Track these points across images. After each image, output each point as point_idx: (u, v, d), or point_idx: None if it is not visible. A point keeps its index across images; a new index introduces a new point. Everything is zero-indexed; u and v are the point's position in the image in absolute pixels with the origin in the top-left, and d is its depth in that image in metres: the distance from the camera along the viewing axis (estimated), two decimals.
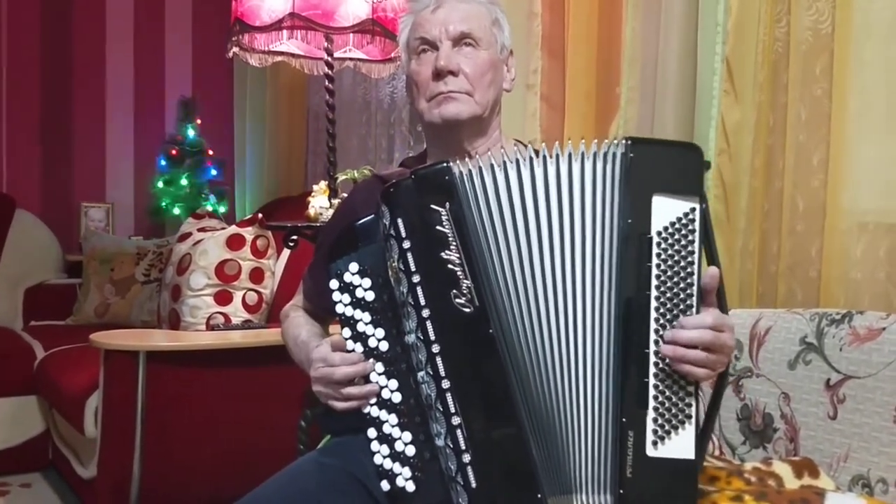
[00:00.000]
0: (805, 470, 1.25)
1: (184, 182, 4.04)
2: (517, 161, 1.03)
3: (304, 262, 1.52)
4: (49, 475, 2.90)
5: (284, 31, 2.30)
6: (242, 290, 2.39)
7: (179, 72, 4.33)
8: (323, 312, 1.41)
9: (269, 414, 2.16)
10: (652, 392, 0.98)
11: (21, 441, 2.89)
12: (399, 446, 1.03)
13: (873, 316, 1.30)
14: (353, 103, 3.57)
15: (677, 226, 0.99)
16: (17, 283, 3.60)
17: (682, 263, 0.99)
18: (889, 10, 1.50)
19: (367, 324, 1.07)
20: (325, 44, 2.35)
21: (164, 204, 4.06)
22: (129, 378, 2.00)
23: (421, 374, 1.02)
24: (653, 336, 0.99)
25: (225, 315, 2.36)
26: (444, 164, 1.04)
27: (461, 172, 1.04)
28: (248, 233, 2.44)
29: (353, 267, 1.08)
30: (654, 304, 0.99)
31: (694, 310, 0.99)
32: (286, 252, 2.51)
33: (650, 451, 0.98)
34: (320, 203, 2.39)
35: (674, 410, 0.99)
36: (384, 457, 1.04)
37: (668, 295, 0.99)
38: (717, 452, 1.47)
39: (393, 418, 1.05)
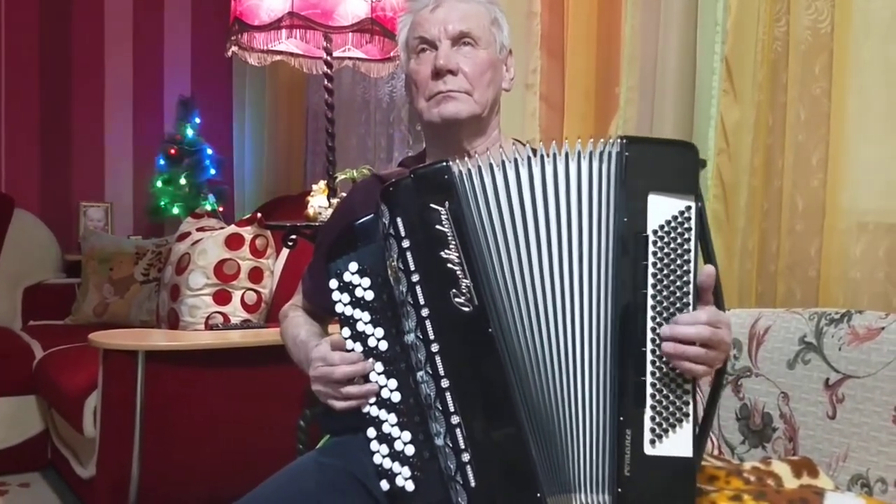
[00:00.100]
0: (804, 469, 1.25)
1: (183, 181, 4.04)
2: (516, 160, 1.03)
3: (303, 262, 1.52)
4: (48, 475, 2.89)
5: (283, 31, 2.30)
6: (241, 290, 2.39)
7: (178, 71, 4.33)
8: (322, 312, 1.41)
9: (269, 414, 2.16)
10: (649, 390, 0.99)
11: (20, 441, 2.89)
12: (398, 446, 1.03)
13: (872, 316, 1.30)
14: (353, 102, 3.56)
15: (673, 224, 1.00)
16: (16, 283, 3.59)
17: (679, 262, 0.99)
18: (888, 9, 1.50)
19: (366, 323, 1.07)
20: (324, 43, 2.35)
21: (163, 203, 4.06)
22: (128, 378, 2.00)
23: (420, 373, 1.02)
24: (649, 334, 0.99)
25: (224, 315, 2.35)
26: (444, 164, 1.04)
27: (460, 172, 1.04)
28: (247, 232, 2.43)
29: (353, 266, 1.08)
30: (650, 302, 0.99)
31: (690, 307, 0.99)
32: (285, 251, 2.51)
33: (648, 450, 0.98)
34: (319, 202, 2.39)
35: (671, 409, 0.99)
36: (384, 456, 1.04)
37: (665, 293, 0.99)
38: (716, 452, 1.47)
39: (392, 418, 1.05)
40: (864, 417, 1.26)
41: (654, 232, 0.99)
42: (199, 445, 2.12)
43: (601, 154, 1.02)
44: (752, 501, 1.09)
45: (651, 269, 0.99)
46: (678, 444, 0.98)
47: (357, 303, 1.08)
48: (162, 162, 4.10)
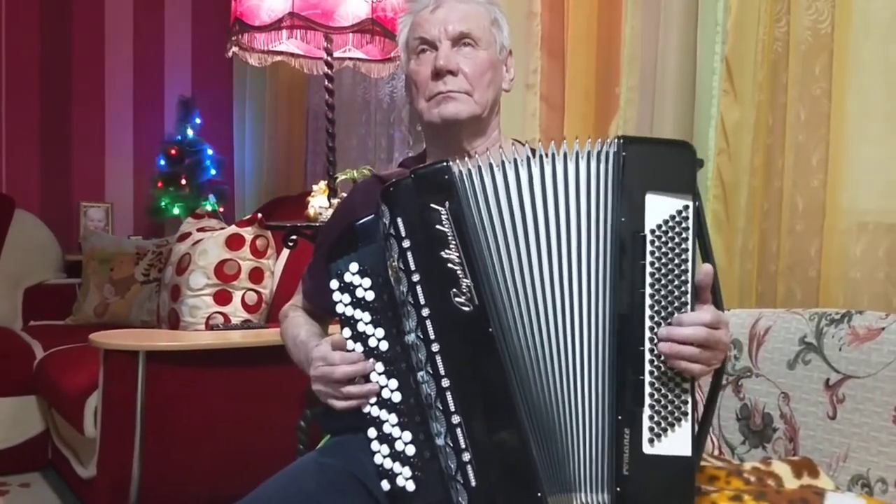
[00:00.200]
0: (804, 470, 1.25)
1: (183, 182, 4.04)
2: (515, 161, 1.04)
3: (304, 262, 1.52)
4: (48, 475, 2.89)
5: (284, 31, 2.30)
6: (242, 290, 2.39)
7: (179, 71, 4.33)
8: (323, 312, 1.41)
9: (269, 414, 2.16)
10: (647, 389, 0.99)
11: (20, 441, 2.89)
12: (399, 446, 1.03)
13: (873, 316, 1.30)
14: (353, 103, 3.56)
15: (671, 223, 1.00)
16: (17, 283, 3.60)
17: (677, 261, 0.99)
18: (888, 9, 1.50)
19: (367, 323, 1.07)
20: (325, 43, 2.35)
21: (163, 204, 4.06)
22: (129, 378, 2.00)
23: (421, 373, 1.02)
24: (647, 334, 0.99)
25: (224, 315, 2.35)
26: (444, 164, 1.04)
27: (461, 172, 1.04)
28: (248, 233, 2.43)
29: (354, 267, 1.08)
30: (648, 301, 0.99)
31: (689, 307, 1.00)
32: (285, 252, 2.51)
33: (647, 449, 0.98)
34: (320, 203, 2.39)
35: (670, 408, 0.99)
36: (384, 456, 1.04)
37: (663, 292, 0.99)
38: (716, 452, 1.47)
39: (393, 418, 1.05)
40: (864, 418, 1.26)
41: (652, 231, 1.00)
42: (200, 445, 2.12)
43: (599, 154, 1.03)
44: (753, 502, 1.09)
45: (649, 269, 0.99)
46: (677, 443, 0.98)
47: (358, 303, 1.08)
48: (162, 162, 4.10)
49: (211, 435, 2.13)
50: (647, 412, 0.98)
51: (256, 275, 2.42)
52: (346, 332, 1.09)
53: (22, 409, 2.90)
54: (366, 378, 1.07)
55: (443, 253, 1.02)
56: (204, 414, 2.12)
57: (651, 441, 0.98)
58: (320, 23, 2.25)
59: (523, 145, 1.31)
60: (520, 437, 1.00)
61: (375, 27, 2.27)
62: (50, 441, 2.89)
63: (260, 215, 2.53)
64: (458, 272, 1.01)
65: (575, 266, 1.02)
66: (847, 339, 1.31)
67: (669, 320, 0.99)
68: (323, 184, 2.45)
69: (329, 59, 2.37)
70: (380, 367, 1.06)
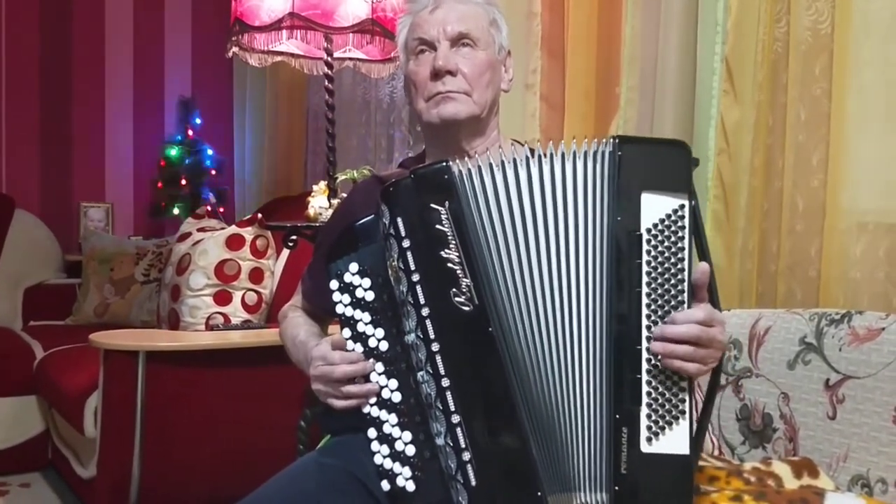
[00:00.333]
0: (804, 470, 1.25)
1: (183, 182, 4.04)
2: (515, 161, 1.04)
3: (304, 262, 1.52)
4: (48, 475, 2.90)
5: (284, 31, 2.30)
6: (242, 290, 2.39)
7: (179, 71, 4.33)
8: (322, 313, 1.41)
9: (269, 414, 2.16)
10: (645, 388, 0.99)
11: (20, 441, 2.89)
12: (399, 446, 1.03)
13: (873, 316, 1.30)
14: (353, 103, 3.56)
15: (667, 222, 1.00)
16: (17, 283, 3.60)
17: (673, 260, 1.00)
18: (888, 9, 1.50)
19: (366, 324, 1.07)
20: (325, 44, 2.35)
21: (163, 204, 4.06)
22: (129, 378, 2.00)
23: (421, 373, 1.02)
24: (644, 332, 0.99)
25: (224, 315, 2.35)
26: (444, 164, 1.05)
27: (460, 172, 1.04)
28: (248, 233, 2.43)
29: (353, 267, 1.08)
30: (645, 300, 0.99)
31: (685, 305, 1.00)
32: (285, 252, 2.51)
33: (644, 448, 0.98)
34: (320, 203, 2.39)
35: (667, 406, 0.99)
36: (384, 456, 1.04)
37: (660, 291, 1.00)
38: (716, 452, 1.47)
39: (393, 418, 1.05)
40: (864, 418, 1.26)
41: (648, 230, 1.00)
42: (200, 445, 2.12)
43: (595, 154, 1.03)
44: (753, 502, 1.09)
45: (645, 268, 0.99)
46: (675, 441, 0.98)
47: (357, 303, 1.08)
48: (162, 162, 4.10)
49: (211, 435, 2.13)
50: (644, 411, 0.98)
51: (256, 275, 2.42)
52: (346, 332, 1.09)
53: (22, 409, 2.90)
54: (365, 378, 1.07)
55: (443, 253, 1.02)
56: (204, 414, 2.12)
57: (649, 440, 0.98)
58: (320, 23, 2.25)
59: (522, 145, 1.31)
60: (520, 436, 1.00)
61: (375, 27, 2.28)
62: (50, 441, 2.89)
63: (260, 215, 2.53)
64: (458, 272, 1.01)
65: (573, 265, 1.02)
66: (847, 340, 1.31)
67: (666, 319, 0.99)
68: (323, 184, 2.45)
69: (329, 59, 2.37)
70: (380, 367, 1.06)
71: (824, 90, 1.61)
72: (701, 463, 1.29)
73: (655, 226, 1.00)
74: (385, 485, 1.03)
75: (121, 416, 2.02)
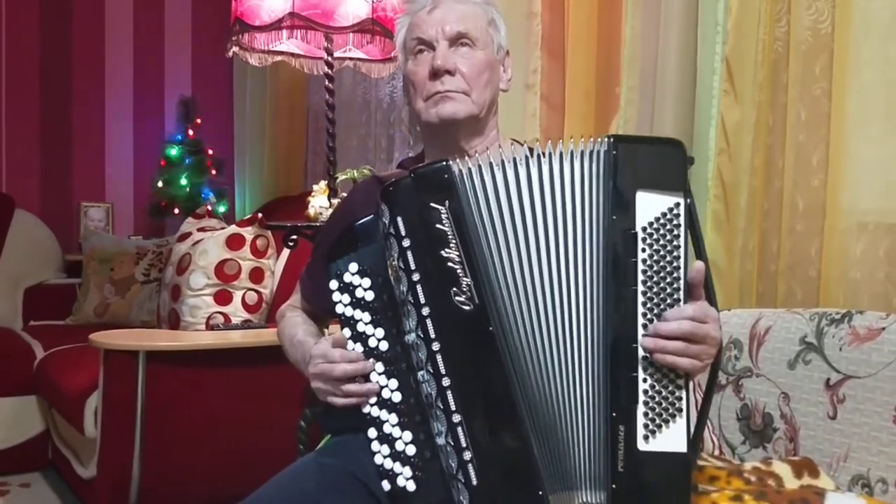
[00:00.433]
0: (805, 470, 1.25)
1: (183, 182, 4.04)
2: (514, 160, 1.04)
3: (304, 262, 1.52)
4: (48, 475, 2.90)
5: (284, 31, 2.30)
6: (242, 290, 2.39)
7: (179, 71, 4.33)
8: (322, 313, 1.41)
9: (269, 414, 2.16)
10: (641, 386, 0.99)
11: (21, 441, 2.89)
12: (399, 446, 1.03)
13: (873, 316, 1.30)
14: (353, 103, 3.56)
15: (662, 221, 1.00)
16: (17, 283, 3.60)
17: (668, 258, 1.00)
18: (888, 9, 1.50)
19: (366, 324, 1.07)
20: (325, 43, 2.35)
21: (163, 204, 4.06)
22: (129, 378, 2.00)
23: (421, 372, 1.02)
24: (640, 331, 1.00)
25: (224, 315, 2.36)
26: (444, 163, 1.05)
27: (460, 171, 1.04)
28: (248, 232, 2.44)
29: (353, 267, 1.09)
30: (640, 298, 1.00)
31: (681, 303, 1.00)
32: (286, 252, 2.51)
33: (641, 446, 0.98)
34: (320, 203, 2.39)
35: (664, 404, 0.99)
36: (384, 456, 1.04)
37: (655, 290, 1.00)
38: (716, 452, 1.47)
39: (393, 418, 1.05)
40: (864, 418, 1.26)
41: (644, 229, 1.00)
42: (200, 445, 2.12)
43: (591, 153, 1.03)
44: (753, 502, 1.09)
45: (641, 266, 1.00)
46: (672, 439, 0.98)
47: (357, 303, 1.08)
48: (162, 162, 4.10)
49: (211, 435, 2.13)
50: (641, 409, 0.99)
51: (257, 275, 2.43)
52: (346, 332, 1.09)
53: (22, 409, 2.90)
54: (365, 377, 1.07)
55: (443, 252, 1.02)
56: (204, 414, 2.12)
57: (646, 438, 0.98)
58: (320, 23, 2.25)
59: (522, 145, 1.31)
60: (521, 435, 1.00)
61: (376, 27, 2.27)
62: (50, 441, 2.89)
63: (260, 215, 2.53)
64: (459, 271, 1.01)
65: (571, 264, 1.03)
66: (847, 339, 1.31)
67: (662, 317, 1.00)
68: (323, 184, 2.45)
69: (329, 58, 2.37)
70: (380, 367, 1.06)
71: (824, 90, 1.61)
72: (701, 463, 1.29)
73: (651, 224, 1.00)
74: (385, 485, 1.03)
75: (121, 416, 2.02)
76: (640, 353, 0.99)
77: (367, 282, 1.08)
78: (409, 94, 1.33)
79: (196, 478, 2.13)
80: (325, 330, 1.47)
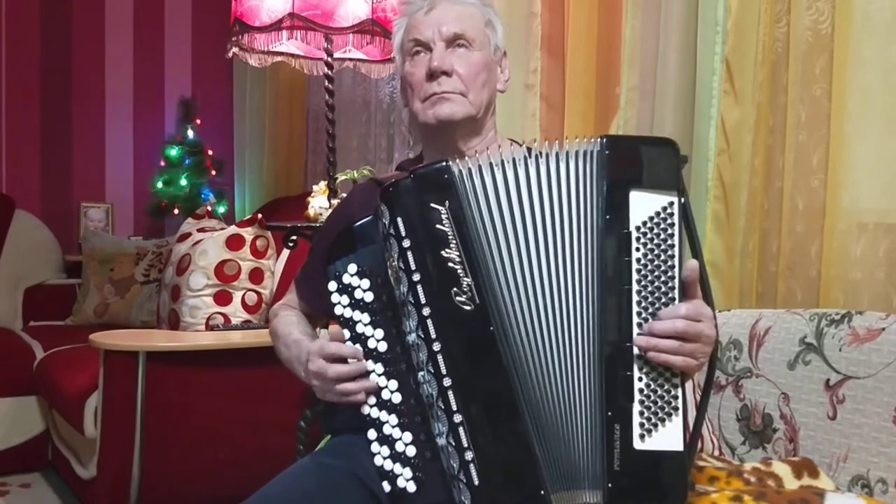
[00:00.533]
0: (804, 470, 1.25)
1: (183, 182, 4.04)
2: (514, 160, 1.04)
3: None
4: (48, 475, 2.90)
5: (284, 32, 2.30)
6: (242, 291, 2.39)
7: (179, 72, 4.33)
8: (320, 314, 1.40)
9: (269, 414, 2.16)
10: (637, 385, 0.99)
11: (21, 441, 2.89)
12: (399, 447, 1.03)
13: (873, 316, 1.30)
14: (353, 103, 3.57)
15: (656, 220, 1.01)
16: (17, 284, 3.60)
17: (663, 257, 1.00)
18: (888, 10, 1.50)
19: (366, 325, 1.07)
20: (325, 44, 2.35)
21: (163, 204, 4.06)
22: (129, 378, 2.00)
23: (422, 373, 1.02)
24: (635, 330, 1.00)
25: (224, 315, 2.36)
26: (444, 163, 1.05)
27: (460, 171, 1.04)
28: (248, 233, 2.44)
29: (352, 268, 1.08)
30: (635, 298, 1.00)
31: (676, 302, 1.00)
32: (286, 252, 2.51)
33: (637, 444, 0.98)
34: (320, 203, 2.39)
35: (660, 403, 0.99)
36: (385, 458, 1.04)
37: (650, 289, 1.00)
38: (716, 452, 1.47)
39: (393, 419, 1.05)
40: (864, 418, 1.26)
41: (638, 228, 1.00)
42: (200, 446, 2.12)
43: (585, 154, 1.03)
44: (753, 502, 1.09)
45: (635, 265, 1.00)
46: (668, 438, 0.98)
47: (357, 304, 1.08)
48: (162, 163, 4.10)
49: (211, 435, 2.13)
50: (637, 408, 0.99)
51: (256, 275, 2.43)
52: (346, 333, 1.09)
53: (22, 409, 2.90)
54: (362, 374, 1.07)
55: (443, 252, 1.02)
56: (204, 414, 2.12)
57: (642, 437, 0.98)
58: (320, 23, 2.25)
59: (520, 145, 1.31)
60: (522, 435, 1.00)
61: (375, 28, 2.28)
62: (50, 441, 2.89)
63: (260, 216, 2.53)
64: (459, 271, 1.02)
65: (568, 264, 1.03)
66: (847, 340, 1.30)
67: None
68: (323, 184, 2.45)
69: (329, 59, 2.37)
70: (379, 367, 1.06)
71: (824, 90, 1.61)
72: (701, 463, 1.29)
73: (645, 223, 1.00)
74: (386, 486, 1.03)
75: (121, 417, 2.02)
76: (635, 352, 0.99)
77: (366, 283, 1.08)
78: (407, 95, 1.33)
79: (196, 478, 2.13)
80: (322, 330, 1.47)
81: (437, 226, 1.02)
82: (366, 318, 1.07)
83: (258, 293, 2.42)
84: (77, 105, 4.09)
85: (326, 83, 2.41)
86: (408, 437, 1.03)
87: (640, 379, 0.99)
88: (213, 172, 4.13)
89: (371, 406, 1.06)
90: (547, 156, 1.04)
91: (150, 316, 3.23)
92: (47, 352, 2.88)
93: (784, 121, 1.68)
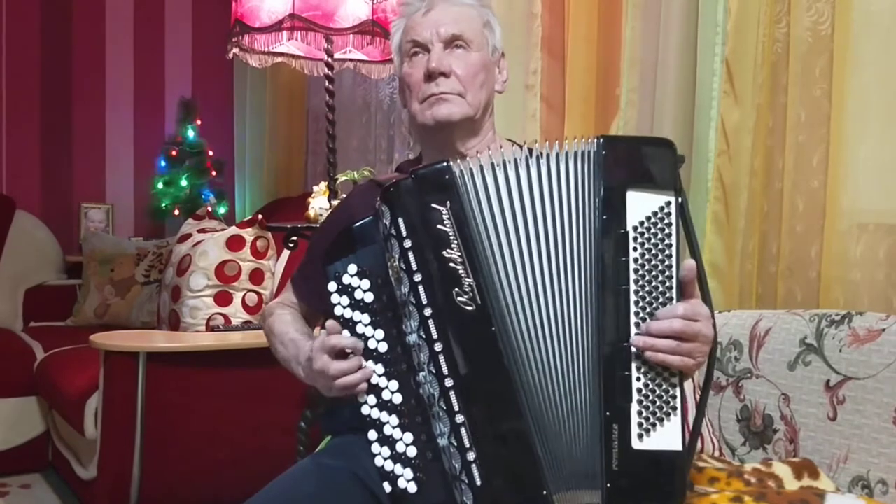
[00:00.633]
0: (805, 471, 1.25)
1: (184, 183, 4.04)
2: (514, 160, 1.04)
3: None
4: (49, 476, 2.90)
5: (284, 32, 2.31)
6: (242, 291, 2.39)
7: (179, 72, 4.33)
8: (320, 314, 1.40)
9: (269, 415, 2.16)
10: (635, 385, 0.99)
11: (21, 442, 2.89)
12: (400, 447, 1.03)
13: (873, 317, 1.30)
14: (353, 104, 3.57)
15: (653, 220, 1.01)
16: (17, 284, 3.60)
17: (660, 257, 1.00)
18: (888, 11, 1.50)
19: (366, 325, 1.07)
20: (325, 45, 2.35)
21: (163, 205, 4.06)
22: (129, 379, 2.01)
23: (423, 373, 1.02)
24: (633, 330, 1.00)
25: (225, 316, 2.36)
26: (445, 164, 1.05)
27: (461, 171, 1.05)
28: (248, 234, 2.44)
29: (352, 268, 1.08)
30: (633, 297, 1.00)
31: (673, 302, 1.00)
32: (286, 253, 2.51)
33: (636, 444, 0.98)
34: (320, 204, 2.39)
35: (658, 403, 0.99)
36: (385, 458, 1.04)
37: (648, 289, 1.00)
38: (716, 453, 1.47)
39: (394, 419, 1.05)
40: (864, 419, 1.26)
41: (635, 228, 1.00)
42: (200, 447, 2.12)
43: (583, 154, 1.04)
44: (753, 503, 1.09)
45: (633, 265, 1.00)
46: (667, 437, 0.98)
47: (357, 305, 1.08)
48: (163, 163, 4.10)
49: (211, 436, 2.13)
50: (635, 408, 0.99)
51: (257, 276, 2.43)
52: (346, 334, 1.08)
53: (22, 410, 2.90)
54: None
55: (445, 252, 1.02)
56: (204, 415, 2.12)
57: (640, 436, 0.98)
58: (321, 24, 2.25)
59: (521, 147, 1.31)
60: (524, 435, 1.00)
61: (376, 28, 2.28)
62: (50, 442, 2.89)
63: (260, 216, 2.54)
64: (461, 271, 1.02)
65: (568, 265, 1.03)
66: (847, 341, 1.30)
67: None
68: (323, 185, 2.45)
69: (329, 60, 2.37)
70: (380, 368, 1.06)
71: (824, 91, 1.61)
72: (701, 464, 1.30)
73: (642, 223, 1.01)
74: (387, 486, 1.03)
75: (121, 418, 2.02)
76: (633, 351, 0.99)
77: (366, 283, 1.08)
78: (405, 96, 1.34)
79: (196, 479, 2.13)
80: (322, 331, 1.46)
81: (439, 226, 1.02)
82: (366, 318, 1.07)
83: (258, 294, 2.42)
84: (77, 105, 4.09)
85: (327, 84, 2.41)
86: (408, 437, 1.03)
87: (639, 379, 0.99)
88: (214, 173, 4.13)
89: (371, 406, 1.06)
90: (547, 156, 1.04)
91: (150, 317, 3.23)
92: (48, 352, 2.88)
93: (784, 122, 1.68)
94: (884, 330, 1.27)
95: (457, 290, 1.01)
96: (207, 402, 2.13)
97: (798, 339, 1.38)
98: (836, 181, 1.56)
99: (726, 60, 1.73)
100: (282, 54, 2.52)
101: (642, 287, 1.00)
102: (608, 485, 0.98)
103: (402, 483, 1.03)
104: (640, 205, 1.01)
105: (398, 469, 1.03)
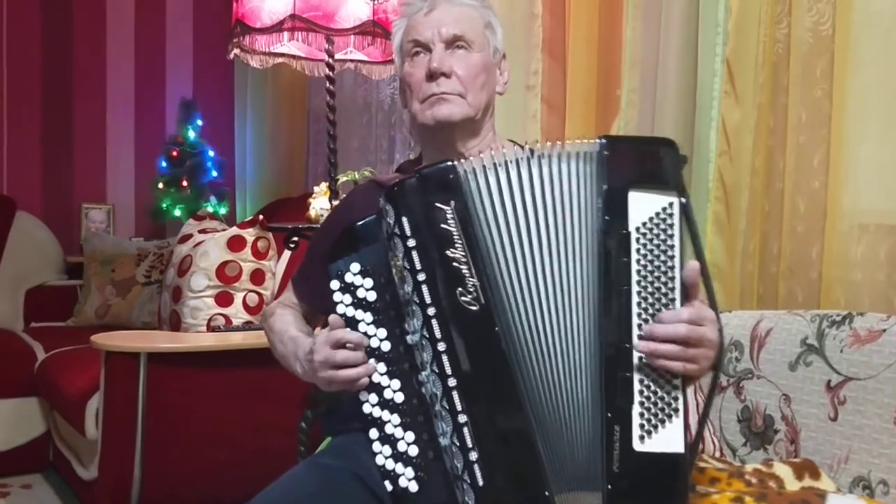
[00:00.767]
0: (806, 471, 1.25)
1: (184, 183, 4.04)
2: (517, 160, 1.04)
3: None
4: (50, 476, 2.90)
5: (285, 33, 2.31)
6: (243, 292, 2.39)
7: (180, 73, 4.34)
8: (321, 314, 1.40)
9: (270, 415, 2.16)
10: (637, 387, 0.99)
11: (22, 442, 2.89)
12: (402, 447, 1.03)
13: (874, 317, 1.31)
14: (354, 105, 3.57)
15: (656, 220, 1.00)
16: (18, 285, 3.60)
17: (663, 258, 1.00)
18: (889, 11, 1.51)
19: (368, 324, 1.07)
20: (326, 45, 2.35)
21: (164, 205, 4.06)
22: (130, 379, 2.01)
23: (425, 373, 1.02)
24: (635, 331, 0.99)
25: (226, 316, 2.36)
26: (449, 163, 1.05)
27: (465, 171, 1.05)
28: (249, 234, 2.44)
29: (355, 267, 1.08)
30: (635, 299, 0.99)
31: (677, 303, 0.99)
32: (286, 253, 2.51)
33: (637, 446, 0.98)
34: (321, 204, 2.40)
35: (660, 404, 0.99)
36: (386, 457, 1.04)
37: (650, 290, 1.00)
38: (717, 454, 1.47)
39: (395, 418, 1.05)
40: (865, 419, 1.26)
41: (637, 229, 1.00)
42: (201, 447, 2.12)
43: (585, 154, 1.03)
44: (754, 503, 1.09)
45: (635, 266, 1.00)
46: (668, 439, 0.98)
47: (359, 304, 1.08)
48: (164, 164, 4.10)
49: (212, 436, 2.13)
50: (637, 409, 0.98)
51: (258, 276, 2.43)
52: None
53: (23, 410, 2.90)
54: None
55: (448, 252, 1.02)
56: (205, 415, 2.12)
57: (641, 438, 0.98)
58: (322, 25, 2.25)
59: (522, 147, 1.31)
60: (527, 435, 1.00)
61: (377, 29, 2.28)
62: (51, 442, 2.89)
63: (261, 217, 2.54)
64: (465, 271, 1.01)
65: (571, 265, 1.03)
66: (848, 341, 1.31)
67: (654, 318, 0.99)
68: (324, 185, 2.45)
69: (330, 60, 2.37)
70: (382, 367, 1.06)
71: (825, 91, 1.61)
72: (702, 464, 1.29)
73: (644, 224, 1.00)
74: (388, 485, 1.03)
75: (122, 418, 2.02)
76: (635, 353, 0.99)
77: (368, 282, 1.08)
78: (406, 96, 1.34)
79: (197, 479, 2.13)
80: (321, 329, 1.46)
81: (443, 225, 1.02)
82: (368, 317, 1.07)
83: (259, 294, 2.42)
84: (78, 106, 4.09)
85: (327, 84, 2.42)
86: (410, 436, 1.03)
87: (641, 381, 0.99)
88: (214, 173, 4.13)
89: (373, 405, 1.06)
90: (549, 156, 1.04)
91: (151, 317, 3.23)
92: (48, 353, 2.88)
93: (785, 122, 1.68)
94: (885, 330, 1.27)
95: (460, 289, 1.01)
96: (208, 403, 2.13)
97: (799, 340, 1.38)
98: (836, 182, 1.56)
99: (727, 61, 1.73)
100: (282, 55, 2.52)
101: (644, 288, 1.00)
102: (609, 486, 0.98)
103: (403, 482, 1.03)
104: (643, 205, 1.00)
105: (399, 468, 1.03)
